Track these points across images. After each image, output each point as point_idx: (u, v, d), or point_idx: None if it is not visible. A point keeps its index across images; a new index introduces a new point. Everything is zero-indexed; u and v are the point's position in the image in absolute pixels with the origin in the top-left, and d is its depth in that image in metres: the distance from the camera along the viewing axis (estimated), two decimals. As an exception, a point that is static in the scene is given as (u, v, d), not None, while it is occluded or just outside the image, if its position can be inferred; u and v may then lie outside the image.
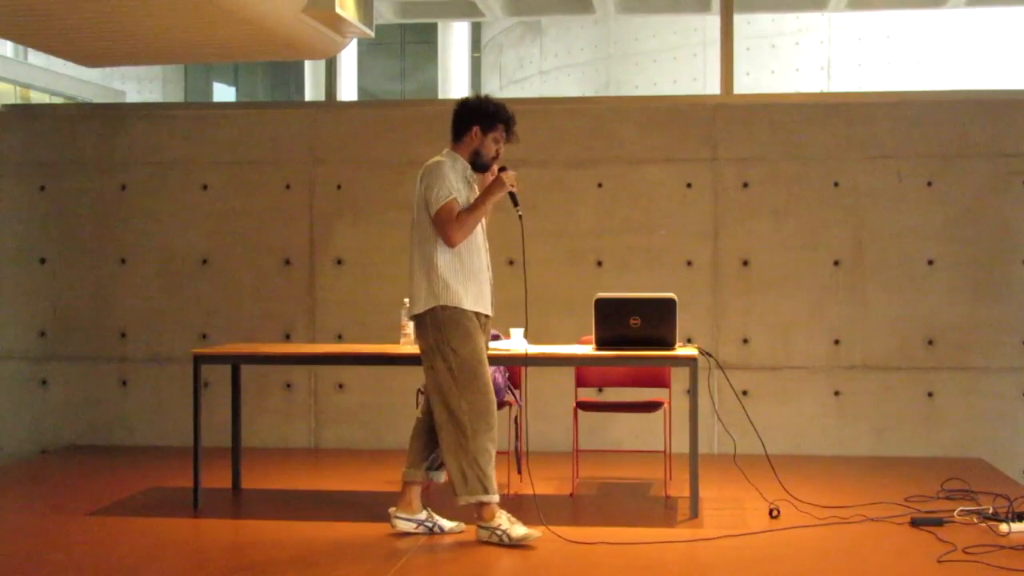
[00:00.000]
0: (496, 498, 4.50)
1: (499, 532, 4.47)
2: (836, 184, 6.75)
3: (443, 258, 4.54)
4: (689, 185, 6.83)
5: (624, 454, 6.49)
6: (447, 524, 4.69)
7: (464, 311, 4.53)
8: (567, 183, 6.87)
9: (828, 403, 6.72)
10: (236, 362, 5.58)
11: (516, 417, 5.79)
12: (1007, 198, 6.66)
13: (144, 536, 4.77)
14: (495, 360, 4.86)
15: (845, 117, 6.79)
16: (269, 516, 5.15)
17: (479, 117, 4.62)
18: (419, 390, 5.84)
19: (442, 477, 4.73)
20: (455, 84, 18.40)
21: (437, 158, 4.63)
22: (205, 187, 7.14)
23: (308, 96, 17.46)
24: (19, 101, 20.27)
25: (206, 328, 7.07)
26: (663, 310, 5.00)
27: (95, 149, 7.24)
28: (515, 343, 5.24)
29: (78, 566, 4.33)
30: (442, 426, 4.53)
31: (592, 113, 7.11)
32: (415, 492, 4.70)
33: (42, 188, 7.23)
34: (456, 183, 4.55)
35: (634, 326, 5.01)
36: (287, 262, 7.08)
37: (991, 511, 4.85)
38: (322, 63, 8.48)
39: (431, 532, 4.66)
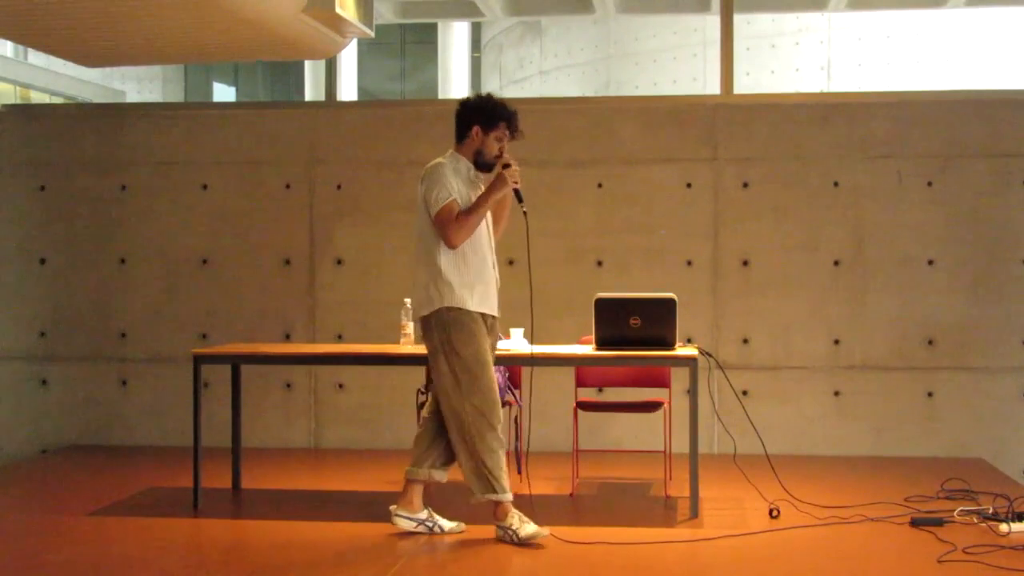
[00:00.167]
0: (508, 496, 4.52)
1: (510, 531, 4.50)
2: (836, 184, 6.75)
3: (446, 260, 4.54)
4: (689, 185, 6.83)
5: (624, 454, 6.49)
6: (447, 524, 4.69)
7: (469, 312, 4.53)
8: (567, 183, 6.87)
9: (828, 403, 6.72)
10: (236, 362, 5.58)
11: (516, 417, 5.79)
12: (1007, 198, 6.66)
13: (144, 536, 4.78)
14: (496, 360, 4.85)
15: (845, 117, 6.79)
16: (269, 516, 5.15)
17: (479, 117, 4.62)
18: (419, 390, 5.85)
19: (444, 477, 4.73)
20: (455, 84, 18.39)
21: (438, 160, 4.63)
22: (205, 187, 7.14)
23: (308, 96, 17.46)
24: (19, 101, 20.26)
25: (206, 328, 7.07)
26: (663, 310, 5.01)
27: (95, 149, 7.24)
28: (515, 343, 5.25)
29: (78, 566, 4.33)
30: (450, 427, 4.56)
31: (592, 113, 7.11)
32: (417, 491, 4.70)
33: (42, 188, 7.23)
34: (456, 184, 4.55)
35: (634, 326, 5.01)
36: (287, 262, 7.08)
37: (991, 511, 4.85)
38: (322, 63, 8.48)
39: (431, 532, 4.66)
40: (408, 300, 5.42)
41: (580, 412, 5.66)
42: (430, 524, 4.67)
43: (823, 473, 6.08)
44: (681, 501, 5.24)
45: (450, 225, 4.50)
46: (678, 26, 14.88)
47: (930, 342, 6.67)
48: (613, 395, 6.38)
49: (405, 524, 4.66)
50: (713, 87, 7.94)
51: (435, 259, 4.55)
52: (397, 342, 5.44)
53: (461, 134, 4.67)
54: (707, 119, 6.86)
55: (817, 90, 13.57)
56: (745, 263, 6.79)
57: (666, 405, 5.55)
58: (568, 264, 6.81)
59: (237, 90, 26.50)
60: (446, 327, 4.52)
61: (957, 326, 6.66)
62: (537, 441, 6.23)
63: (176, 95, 24.56)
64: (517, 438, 5.86)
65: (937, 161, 6.70)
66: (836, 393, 6.72)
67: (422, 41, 22.67)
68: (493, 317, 4.66)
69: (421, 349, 5.21)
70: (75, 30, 5.58)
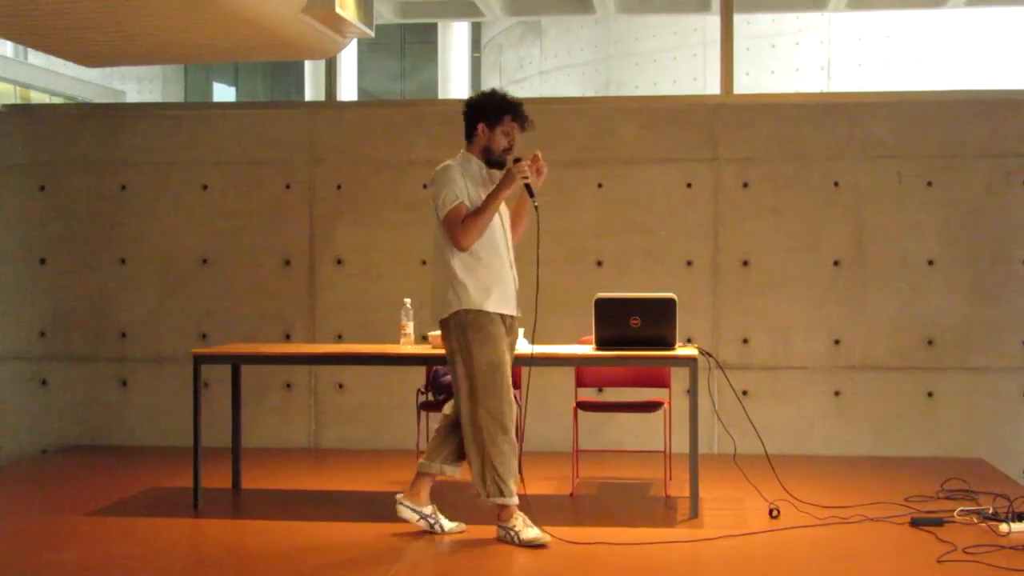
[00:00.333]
0: (514, 500, 4.53)
1: (512, 532, 4.50)
2: (836, 184, 6.75)
3: (460, 262, 4.55)
4: (689, 185, 6.83)
5: (624, 454, 6.49)
6: (448, 524, 4.69)
7: (487, 314, 4.53)
8: (567, 183, 6.86)
9: (828, 403, 6.72)
10: (236, 362, 5.58)
11: (516, 417, 5.78)
12: (1007, 198, 6.66)
13: (144, 536, 4.78)
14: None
15: (845, 117, 6.79)
16: (269, 516, 5.15)
17: (482, 114, 4.62)
18: (419, 390, 5.86)
19: (456, 472, 4.75)
20: (455, 84, 18.40)
21: (447, 162, 4.63)
22: (205, 187, 7.14)
23: (308, 96, 17.47)
24: (19, 101, 20.26)
25: (206, 328, 7.07)
26: (663, 310, 5.01)
27: (95, 149, 7.23)
28: (516, 343, 5.23)
29: (78, 566, 4.33)
30: (464, 428, 4.58)
31: (592, 113, 7.11)
32: (426, 484, 4.71)
33: (42, 188, 7.23)
34: (466, 185, 4.55)
35: (634, 326, 5.01)
36: (287, 262, 7.08)
37: (991, 511, 4.85)
38: (322, 63, 8.48)
39: (431, 528, 4.66)
40: (408, 300, 5.43)
41: (580, 412, 5.66)
42: (432, 521, 4.67)
43: (823, 473, 6.07)
44: (681, 501, 5.24)
45: (458, 227, 4.50)
46: (678, 26, 14.89)
47: (930, 342, 6.67)
48: (613, 395, 6.38)
49: (408, 515, 4.67)
50: (713, 87, 7.95)
51: (450, 262, 4.55)
52: (397, 342, 5.44)
53: (469, 134, 4.67)
54: (707, 119, 6.86)
55: (817, 90, 13.58)
56: (745, 263, 6.79)
57: (666, 405, 5.55)
58: (568, 264, 6.80)
59: (237, 90, 26.51)
60: (464, 329, 4.53)
61: (957, 326, 6.66)
62: (537, 441, 6.24)
63: (176, 95, 24.56)
64: (517, 438, 5.85)
65: (937, 161, 6.70)
66: (836, 393, 6.72)
67: (422, 41, 22.68)
68: (512, 317, 4.67)
69: (421, 349, 5.23)
70: (75, 30, 5.58)
